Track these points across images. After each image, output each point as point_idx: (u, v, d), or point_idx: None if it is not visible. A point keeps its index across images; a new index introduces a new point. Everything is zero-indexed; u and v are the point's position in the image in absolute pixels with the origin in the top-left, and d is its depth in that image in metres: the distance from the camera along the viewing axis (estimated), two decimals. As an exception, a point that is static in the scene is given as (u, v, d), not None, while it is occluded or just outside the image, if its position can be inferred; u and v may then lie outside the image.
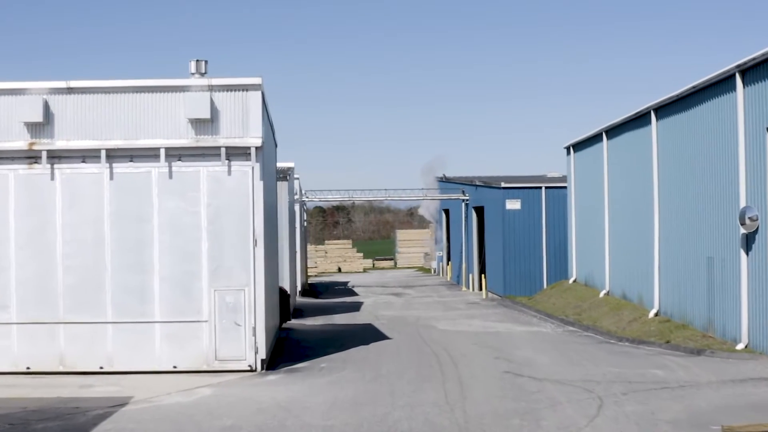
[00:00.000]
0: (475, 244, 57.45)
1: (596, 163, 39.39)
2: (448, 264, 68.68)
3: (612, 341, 27.60)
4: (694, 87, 26.33)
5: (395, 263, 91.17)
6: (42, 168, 22.28)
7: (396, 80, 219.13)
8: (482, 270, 55.44)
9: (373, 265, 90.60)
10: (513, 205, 49.60)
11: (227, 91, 22.36)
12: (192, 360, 22.16)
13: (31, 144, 22.24)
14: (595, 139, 39.86)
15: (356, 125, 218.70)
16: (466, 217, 59.14)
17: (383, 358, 23.89)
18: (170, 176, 22.33)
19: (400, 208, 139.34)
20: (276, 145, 30.76)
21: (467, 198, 58.81)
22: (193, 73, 22.79)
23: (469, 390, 18.90)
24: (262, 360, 22.30)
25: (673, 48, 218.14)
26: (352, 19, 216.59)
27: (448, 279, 67.06)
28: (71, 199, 22.33)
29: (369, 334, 30.20)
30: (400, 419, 16.16)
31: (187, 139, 22.30)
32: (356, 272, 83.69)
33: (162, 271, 22.22)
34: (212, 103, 22.15)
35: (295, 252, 47.47)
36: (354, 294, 54.48)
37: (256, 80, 22.33)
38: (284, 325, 33.75)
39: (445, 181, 67.43)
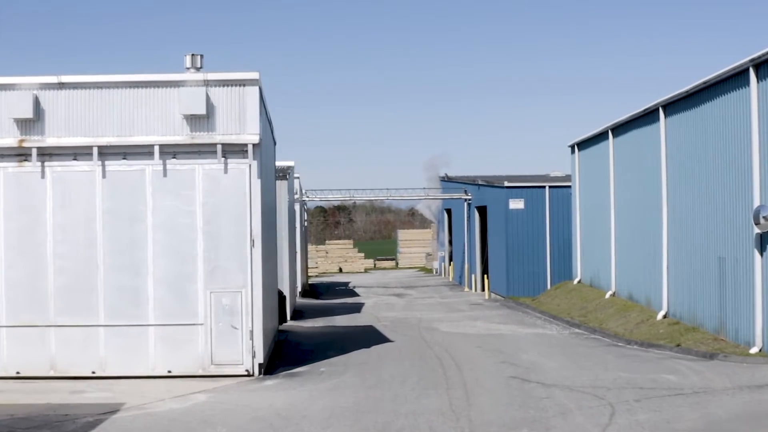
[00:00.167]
0: (478, 244, 56.73)
1: (602, 162, 38.63)
2: (450, 264, 67.95)
3: (620, 344, 26.83)
4: (705, 82, 25.57)
5: (397, 263, 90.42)
6: (32, 166, 21.54)
7: (397, 79, 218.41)
8: (485, 270, 54.72)
9: (375, 265, 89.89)
10: (516, 204, 48.88)
11: (223, 86, 21.61)
12: (187, 364, 21.42)
13: (21, 141, 21.50)
14: (600, 137, 39.11)
15: (357, 125, 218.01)
16: (469, 216, 58.42)
17: (385, 362, 23.14)
18: (165, 174, 21.59)
19: (401, 207, 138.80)
20: (275, 143, 30.01)
21: (469, 197, 58.10)
22: (188, 68, 22.02)
23: (474, 396, 18.16)
24: (260, 364, 21.55)
25: (674, 48, 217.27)
26: (352, 17, 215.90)
27: (450, 279, 66.34)
28: (62, 198, 21.59)
29: (370, 337, 29.46)
30: (403, 428, 15.42)
31: (182, 135, 21.56)
32: (357, 272, 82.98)
33: (156, 273, 21.48)
34: (208, 98, 21.41)
35: (295, 252, 46.75)
36: (355, 295, 53.75)
37: (254, 75, 21.59)
38: (284, 327, 33.02)
39: (447, 181, 66.74)
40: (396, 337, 29.20)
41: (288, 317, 36.72)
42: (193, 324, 21.45)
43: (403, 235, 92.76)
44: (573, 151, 44.75)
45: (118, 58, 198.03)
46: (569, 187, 47.01)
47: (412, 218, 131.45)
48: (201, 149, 21.55)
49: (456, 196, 60.23)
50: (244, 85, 21.63)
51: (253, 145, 21.52)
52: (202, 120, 21.54)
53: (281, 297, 31.22)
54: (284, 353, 25.83)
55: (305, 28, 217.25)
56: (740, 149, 23.63)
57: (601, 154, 38.76)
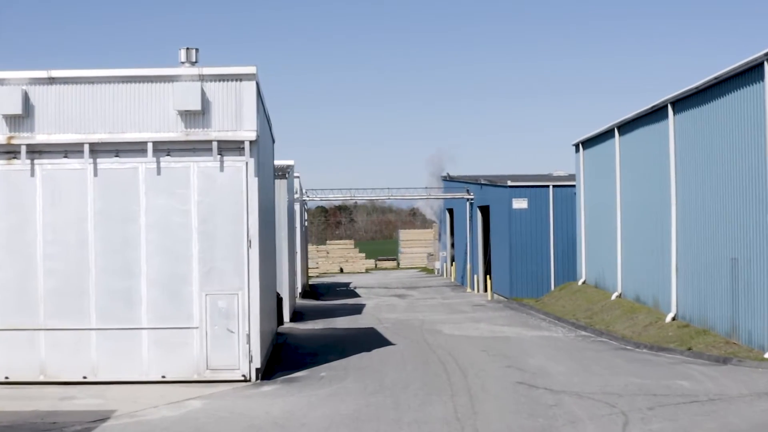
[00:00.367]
0: (480, 245, 55.98)
1: (607, 160, 37.87)
2: (452, 265, 67.21)
3: (628, 347, 26.07)
4: (716, 78, 24.79)
5: (398, 264, 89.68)
6: (21, 164, 20.78)
7: (398, 79, 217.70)
8: (487, 271, 53.98)
9: (376, 265, 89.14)
10: (520, 204, 48.14)
11: (219, 81, 20.86)
12: (181, 369, 20.66)
13: (10, 138, 20.73)
14: (606, 135, 38.34)
15: (358, 125, 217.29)
16: (471, 216, 57.68)
17: (387, 367, 22.39)
18: (158, 172, 20.84)
19: (402, 207, 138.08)
20: (273, 141, 29.25)
21: (472, 197, 57.35)
22: (182, 62, 21.28)
23: (480, 403, 17.41)
24: (257, 369, 20.80)
25: (675, 48, 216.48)
26: (354, 16, 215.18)
27: (452, 280, 65.59)
28: (52, 196, 20.84)
29: (372, 340, 28.71)
30: (405, 438, 14.68)
31: (176, 132, 20.81)
32: (358, 273, 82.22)
33: (150, 274, 20.73)
34: (203, 93, 20.66)
35: (295, 253, 46.00)
36: (356, 296, 53.01)
37: (251, 69, 20.83)
38: (283, 329, 32.27)
39: (449, 180, 65.99)
40: (398, 340, 28.45)
41: (288, 319, 36.00)
42: (188, 327, 20.69)
43: (404, 235, 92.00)
44: (577, 150, 44.00)
45: (110, 53, 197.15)
46: (573, 186, 46.30)
47: (414, 218, 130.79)
48: (196, 146, 20.80)
49: (458, 195, 59.48)
50: (240, 80, 20.87)
51: (250, 142, 20.77)
52: (197, 116, 20.79)
53: (278, 299, 30.45)
54: (283, 357, 25.08)
55: (305, 28, 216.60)
56: (754, 146, 22.86)
57: (607, 152, 38.00)
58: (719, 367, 21.30)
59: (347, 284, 64.38)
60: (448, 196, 61.76)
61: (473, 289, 55.42)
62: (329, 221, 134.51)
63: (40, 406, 18.22)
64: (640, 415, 15.95)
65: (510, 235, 47.67)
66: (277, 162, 38.89)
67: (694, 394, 17.75)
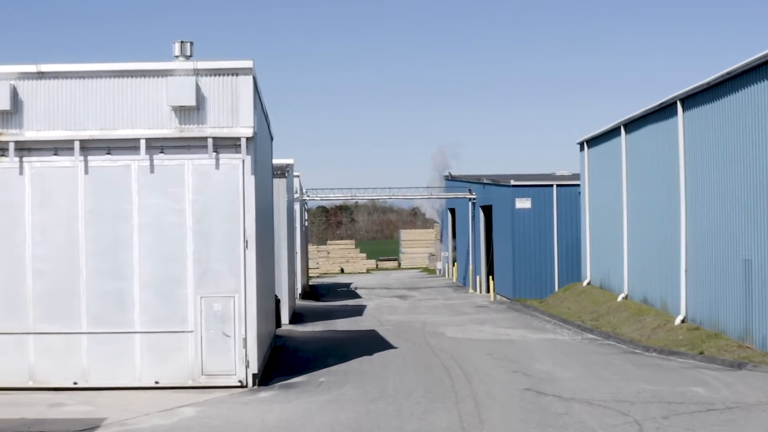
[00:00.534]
0: (483, 245, 55.22)
1: (613, 159, 37.10)
2: (453, 265, 66.45)
3: (638, 351, 25.29)
4: (728, 73, 24.01)
5: (399, 264, 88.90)
6: (9, 161, 20.01)
7: (398, 79, 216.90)
8: (490, 271, 53.22)
9: (377, 265, 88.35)
10: (523, 203, 47.36)
11: (215, 75, 20.09)
12: (176, 375, 19.90)
13: (-3, 134, 20.00)
14: (611, 133, 37.57)
15: (359, 125, 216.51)
16: (473, 216, 56.91)
17: (389, 372, 21.62)
18: (152, 170, 20.08)
19: (403, 207, 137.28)
20: (272, 138, 28.49)
21: (474, 197, 56.59)
22: (177, 56, 20.49)
23: (486, 411, 16.64)
24: (254, 374, 20.02)
25: (676, 48, 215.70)
26: (355, 15, 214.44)
27: (454, 280, 64.82)
28: (42, 195, 20.08)
29: (373, 343, 27.93)
30: (409, 450, 13.92)
31: (170, 129, 20.04)
32: (359, 273, 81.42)
33: (142, 276, 19.96)
34: (198, 88, 19.89)
35: (295, 253, 45.26)
36: (357, 296, 52.24)
37: (247, 63, 20.08)
38: (282, 331, 31.51)
39: (451, 180, 65.25)
40: (399, 343, 27.68)
41: (287, 320, 35.26)
42: (182, 331, 19.93)
43: (405, 235, 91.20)
44: (582, 149, 43.24)
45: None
46: (577, 185, 45.60)
47: (414, 218, 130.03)
48: (190, 143, 20.04)
49: (460, 195, 58.73)
50: (237, 75, 20.11)
51: (247, 138, 20.01)
52: (191, 112, 20.03)
53: (276, 301, 29.68)
54: (281, 361, 24.32)
55: (305, 28, 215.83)
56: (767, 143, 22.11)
57: (613, 150, 37.24)
58: (734, 372, 20.52)
59: (348, 285, 63.61)
60: (450, 195, 61.01)
61: (475, 289, 54.66)
62: (330, 221, 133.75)
63: (27, 413, 17.46)
64: (654, 424, 15.17)
65: (513, 235, 46.92)
66: (277, 161, 38.19)
67: (710, 401, 16.97)
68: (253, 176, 20.15)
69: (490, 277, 51.39)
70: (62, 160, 20.09)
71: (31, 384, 19.88)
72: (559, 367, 21.85)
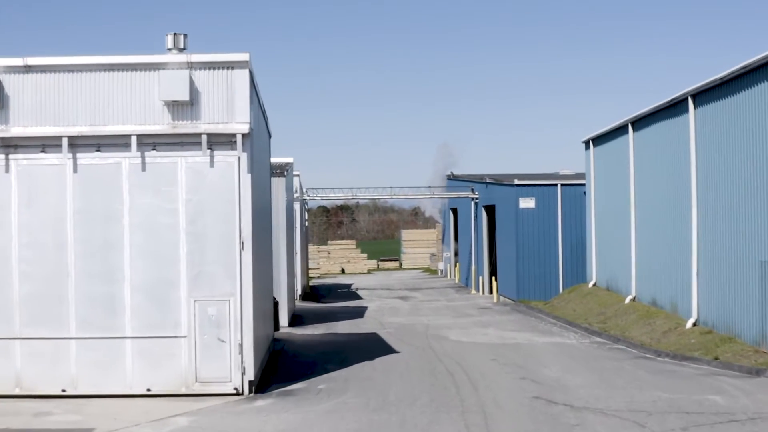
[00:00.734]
0: (485, 245, 54.36)
1: (620, 157, 36.22)
2: (455, 265, 65.59)
3: (649, 356, 24.41)
4: (744, 67, 23.12)
5: (400, 264, 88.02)
6: (-5, 159, 19.18)
7: (398, 79, 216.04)
8: (492, 272, 52.35)
9: (378, 266, 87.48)
10: (527, 203, 46.49)
11: (209, 69, 19.22)
12: (168, 382, 19.02)
13: (-18, 131, 19.13)
14: (618, 131, 36.68)
15: (361, 125, 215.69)
16: (476, 216, 56.05)
17: (391, 378, 20.74)
18: (143, 168, 19.21)
19: (404, 207, 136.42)
20: (270, 136, 27.60)
21: (477, 196, 55.74)
22: (169, 49, 19.60)
23: (494, 422, 15.78)
24: (250, 381, 19.14)
25: (676, 48, 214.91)
26: (355, 15, 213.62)
27: (456, 281, 63.96)
28: (29, 195, 19.20)
29: (374, 347, 27.06)
30: (413, 466, 13.04)
31: (162, 125, 19.17)
32: (360, 273, 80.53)
33: (134, 279, 19.09)
34: (192, 82, 19.02)
35: (295, 254, 44.41)
36: (358, 297, 51.36)
37: (243, 56, 19.20)
38: (282, 334, 30.64)
39: (453, 179, 64.40)
40: (402, 347, 26.79)
41: (286, 323, 34.37)
42: (175, 336, 19.06)
43: (406, 235, 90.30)
44: (587, 147, 42.36)
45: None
46: (582, 185, 44.74)
47: (416, 218, 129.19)
48: (184, 140, 19.16)
49: (463, 194, 57.88)
50: (232, 68, 19.24)
51: (243, 135, 19.13)
52: (185, 107, 19.16)
53: (274, 303, 28.81)
54: (279, 366, 23.44)
55: (305, 27, 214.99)
56: (786, 141, 21.22)
57: (620, 149, 36.36)
58: (752, 379, 19.64)
59: (349, 285, 62.74)
60: (453, 195, 60.16)
61: (478, 290, 53.81)
62: (331, 221, 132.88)
63: (11, 423, 16.62)
64: (674, 437, 14.32)
65: (517, 236, 46.06)
66: (276, 159, 37.36)
67: (730, 411, 16.09)
68: (249, 174, 19.28)
69: (493, 277, 50.53)
70: (50, 158, 19.23)
71: (17, 391, 19.02)
72: (569, 373, 20.97)
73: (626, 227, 35.32)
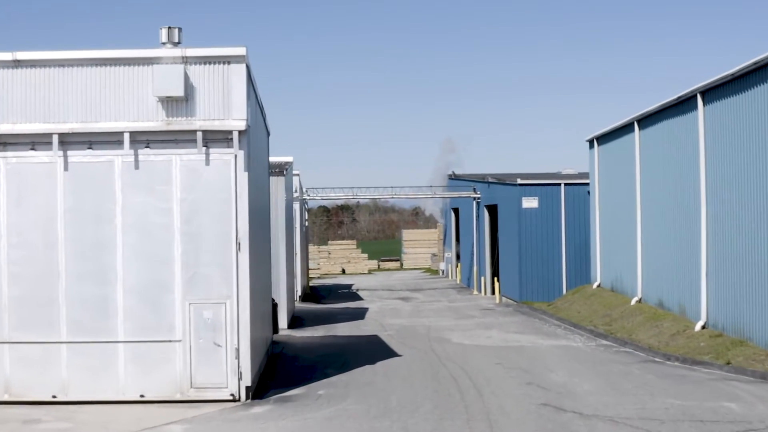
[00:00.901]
0: (488, 245, 53.71)
1: (626, 156, 35.56)
2: (457, 266, 64.94)
3: (657, 359, 23.75)
4: (755, 63, 22.46)
5: (401, 264, 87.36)
6: (-17, 157, 18.53)
7: (400, 78, 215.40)
8: (495, 273, 51.70)
9: (379, 266, 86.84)
10: (530, 203, 45.84)
11: (205, 63, 18.57)
12: (162, 387, 18.37)
13: (-30, 128, 18.46)
14: (624, 129, 36.03)
15: (361, 125, 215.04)
16: (478, 216, 55.41)
17: (392, 384, 20.08)
18: (136, 166, 18.56)
19: (405, 207, 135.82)
20: (268, 134, 26.95)
21: (479, 196, 55.10)
22: (164, 43, 18.97)
23: (500, 431, 15.11)
24: (247, 387, 18.48)
25: (678, 48, 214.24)
26: (355, 15, 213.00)
27: (458, 282, 63.32)
28: (18, 193, 18.55)
29: (375, 350, 26.42)
30: (417, 479, 12.39)
31: (156, 121, 18.52)
32: (361, 274, 79.88)
33: (126, 281, 18.44)
34: (186, 78, 18.37)
35: (295, 254, 43.76)
36: (358, 298, 50.72)
37: (240, 51, 18.55)
38: (281, 337, 30.01)
39: (455, 179, 63.76)
40: (404, 350, 26.14)
41: (286, 325, 33.74)
42: (170, 340, 18.40)
43: (407, 235, 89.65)
44: (591, 146, 41.72)
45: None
46: (586, 184, 44.11)
47: (416, 218, 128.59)
48: (178, 137, 18.50)
49: (464, 194, 57.23)
50: (228, 63, 18.58)
51: (240, 132, 18.48)
52: (179, 103, 18.51)
53: (273, 305, 28.15)
54: (278, 370, 22.79)
55: (305, 27, 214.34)
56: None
57: (625, 147, 35.70)
58: (767, 385, 18.97)
59: (349, 286, 62.11)
60: (454, 194, 59.52)
61: (480, 291, 53.17)
62: (331, 221, 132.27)
63: (-1, 431, 15.99)
64: (690, 447, 13.67)
65: (519, 236, 45.40)
66: (275, 158, 36.72)
67: (746, 419, 15.44)
68: (246, 173, 18.63)
69: (495, 278, 49.88)
70: (40, 156, 18.58)
71: (6, 397, 18.37)
72: (576, 378, 20.31)
73: (632, 227, 34.67)
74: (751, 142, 23.48)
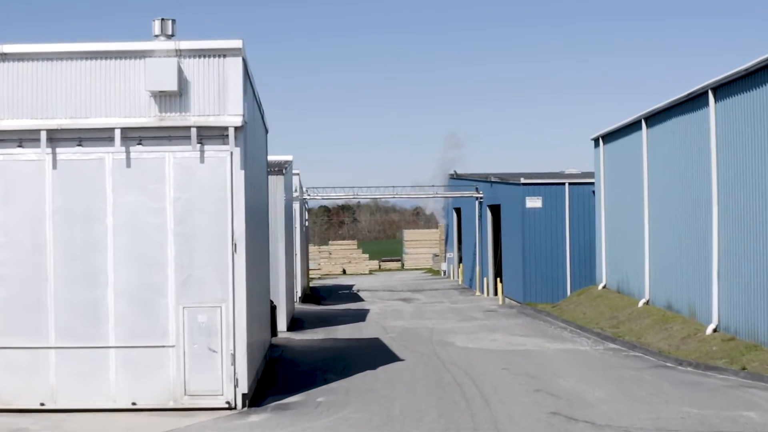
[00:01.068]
0: (490, 246, 52.92)
1: (633, 154, 34.78)
2: (459, 266, 64.17)
3: (669, 364, 22.96)
4: (771, 57, 21.71)
5: (402, 264, 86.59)
6: (-32, 154, 17.75)
7: (400, 79, 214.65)
8: (497, 273, 50.92)
9: (379, 266, 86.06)
10: (534, 203, 45.06)
11: (199, 57, 17.80)
12: (155, 395, 17.60)
13: (-46, 124, 17.70)
14: (631, 127, 35.25)
15: (361, 125, 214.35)
16: (480, 216, 54.63)
17: (395, 391, 19.31)
18: (128, 164, 17.79)
19: (405, 207, 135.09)
20: (266, 131, 26.18)
21: (481, 195, 54.32)
22: (157, 35, 18.21)
23: (509, 442, 14.36)
24: (243, 395, 17.71)
25: (678, 49, 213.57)
26: (355, 15, 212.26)
27: (460, 282, 62.53)
28: (5, 192, 17.78)
29: (377, 354, 25.65)
30: (422, 496, 11.61)
31: (148, 117, 17.75)
32: (362, 274, 79.11)
33: (118, 284, 17.67)
34: (180, 72, 17.60)
35: (294, 255, 42.98)
36: (359, 299, 49.96)
37: (236, 43, 17.79)
38: (280, 340, 29.26)
39: (457, 178, 62.99)
40: (406, 354, 25.37)
41: (285, 327, 32.95)
42: (163, 346, 17.63)
43: (408, 235, 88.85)
44: (597, 145, 40.93)
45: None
46: (590, 184, 43.35)
47: (417, 218, 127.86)
48: (172, 133, 17.73)
49: (467, 194, 56.44)
50: (224, 56, 17.81)
51: (236, 128, 17.71)
52: (173, 98, 17.74)
53: (272, 307, 27.38)
54: (276, 376, 22.03)
55: (305, 27, 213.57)
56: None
57: (632, 145, 34.92)
58: (786, 392, 18.22)
59: (350, 287, 61.36)
60: (457, 194, 58.74)
61: (482, 292, 52.39)
62: (332, 221, 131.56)
63: (-18, 441, 15.24)
64: (711, 461, 12.89)
65: (523, 236, 44.62)
66: (274, 157, 35.97)
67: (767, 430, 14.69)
68: (243, 171, 17.86)
69: (498, 279, 49.11)
70: (27, 153, 17.81)
71: (-8, 405, 17.61)
72: (586, 385, 19.54)
73: (639, 227, 33.89)
74: (765, 139, 22.70)
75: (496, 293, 48.80)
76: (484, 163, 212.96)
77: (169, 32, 18.17)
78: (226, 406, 17.56)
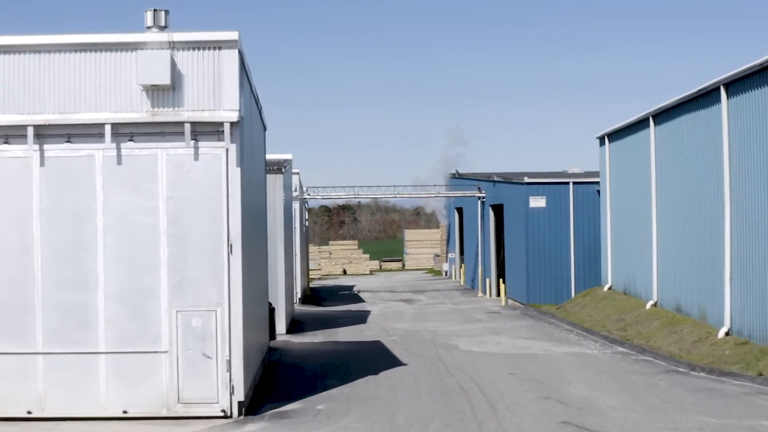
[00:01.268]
0: (493, 246, 52.14)
1: (640, 153, 33.99)
2: (461, 267, 63.39)
3: (681, 369, 22.18)
4: (788, 51, 20.90)
5: (403, 265, 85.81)
6: (-48, 151, 16.97)
7: (400, 79, 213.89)
8: (500, 274, 50.15)
9: (380, 266, 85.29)
10: (537, 202, 44.27)
11: (194, 49, 17.03)
12: (147, 403, 16.83)
13: (-63, 119, 16.92)
14: (638, 125, 34.46)
15: (362, 125, 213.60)
16: (482, 215, 53.85)
17: (398, 397, 18.53)
18: (119, 161, 17.02)
19: (406, 207, 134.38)
20: (264, 128, 25.40)
21: (483, 195, 53.52)
22: (149, 27, 17.43)
23: (519, 454, 13.58)
24: (240, 402, 16.93)
25: (679, 49, 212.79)
26: (355, 15, 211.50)
27: (462, 283, 61.76)
28: (-10, 191, 17.03)
29: (378, 358, 24.88)
30: None
31: (140, 112, 16.98)
32: (362, 274, 78.34)
33: (108, 286, 16.89)
34: (173, 65, 16.83)
35: (294, 255, 42.20)
36: (360, 300, 49.19)
37: (232, 35, 17.01)
38: (279, 343, 28.46)
39: (459, 178, 62.20)
40: (409, 358, 24.59)
41: (285, 329, 32.16)
42: (155, 351, 16.85)
43: (409, 235, 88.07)
44: (602, 143, 40.14)
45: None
46: (595, 183, 42.56)
47: (418, 217, 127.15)
48: (165, 129, 16.95)
49: (469, 193, 55.66)
50: (219, 49, 17.04)
51: (231, 124, 16.93)
52: (166, 92, 16.97)
53: (270, 309, 26.61)
54: (275, 381, 21.26)
55: (305, 26, 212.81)
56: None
57: (640, 144, 34.13)
58: (807, 400, 17.44)
59: (351, 287, 60.58)
60: (459, 193, 57.96)
61: (485, 293, 51.60)
62: (333, 221, 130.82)
63: (-36, 452, 14.47)
64: (735, 476, 12.11)
65: (527, 236, 43.85)
66: (274, 156, 35.23)
67: (793, 442, 13.90)
68: (239, 168, 17.08)
69: (501, 280, 48.34)
70: (14, 150, 17.03)
71: (-23, 413, 16.83)
72: (597, 392, 18.75)
73: (646, 227, 33.11)
74: (781, 137, 21.92)
75: (498, 294, 48.04)
76: (486, 163, 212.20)
77: (162, 23, 17.39)
78: (222, 414, 16.80)
